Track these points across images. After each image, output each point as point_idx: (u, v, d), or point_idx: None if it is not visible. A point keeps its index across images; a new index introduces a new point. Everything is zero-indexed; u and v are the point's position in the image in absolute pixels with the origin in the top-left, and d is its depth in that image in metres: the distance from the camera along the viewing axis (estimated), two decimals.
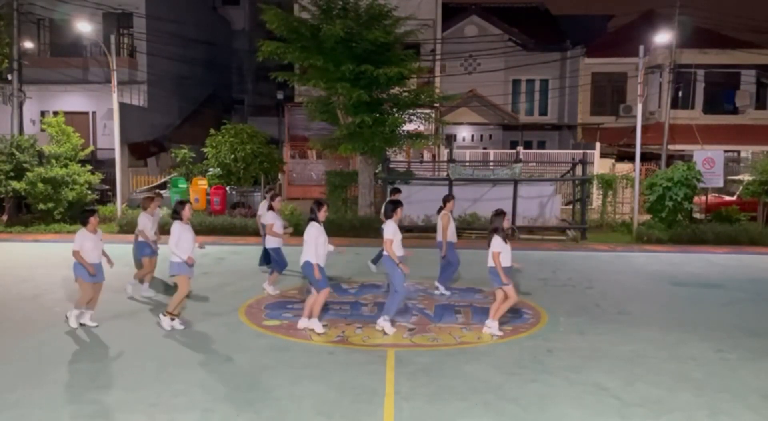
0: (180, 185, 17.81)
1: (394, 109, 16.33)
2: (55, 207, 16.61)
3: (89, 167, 17.84)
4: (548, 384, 6.19)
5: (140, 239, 9.61)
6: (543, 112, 29.24)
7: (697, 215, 17.23)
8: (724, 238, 15.38)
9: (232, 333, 7.80)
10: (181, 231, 7.77)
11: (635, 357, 7.02)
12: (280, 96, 29.24)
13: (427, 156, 22.29)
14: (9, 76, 19.68)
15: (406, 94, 16.36)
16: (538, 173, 18.89)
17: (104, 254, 8.04)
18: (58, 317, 8.44)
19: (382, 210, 8.57)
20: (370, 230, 15.49)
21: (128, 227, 15.72)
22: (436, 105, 20.52)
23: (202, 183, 17.80)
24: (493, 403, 5.73)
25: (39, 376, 6.28)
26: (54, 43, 25.26)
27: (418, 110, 16.89)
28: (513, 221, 16.30)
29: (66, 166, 17.12)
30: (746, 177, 18.23)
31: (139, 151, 23.60)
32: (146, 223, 9.61)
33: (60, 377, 6.27)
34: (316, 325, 7.79)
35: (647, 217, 16.66)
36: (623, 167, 20.47)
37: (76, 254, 7.71)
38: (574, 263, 12.92)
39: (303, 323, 7.89)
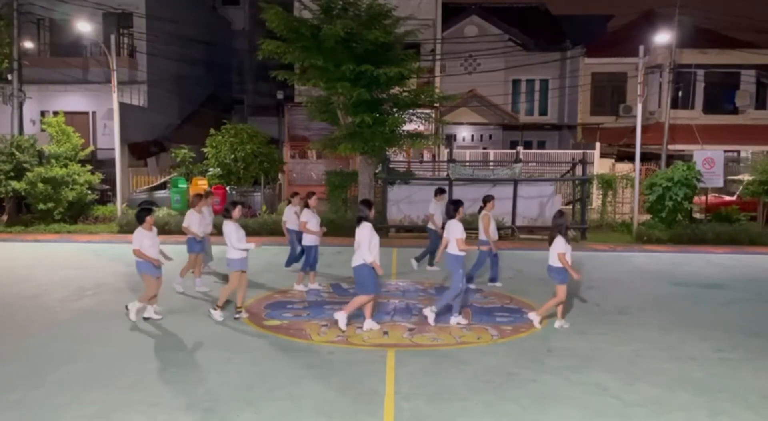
0: (180, 185, 17.81)
1: (394, 109, 16.30)
2: (55, 207, 16.63)
3: (89, 167, 17.85)
4: (548, 384, 6.19)
5: (189, 235, 9.90)
6: (543, 112, 29.22)
7: (697, 215, 17.24)
8: (724, 238, 15.40)
9: (232, 333, 7.80)
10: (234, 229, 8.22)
11: (635, 357, 7.03)
12: (280, 96, 29.21)
13: (427, 156, 22.28)
14: (9, 76, 19.66)
15: (406, 94, 16.33)
16: (538, 173, 18.87)
17: (161, 251, 8.29)
18: (58, 317, 8.47)
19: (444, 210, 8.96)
20: None
21: (128, 227, 15.71)
22: (436, 105, 20.50)
23: (202, 183, 17.78)
24: (493, 403, 5.73)
25: (39, 376, 6.28)
26: (54, 43, 25.26)
27: (418, 110, 16.86)
28: (513, 221, 16.33)
29: (66, 166, 17.15)
30: (746, 177, 18.24)
31: (139, 151, 23.58)
32: (192, 220, 9.90)
33: (60, 377, 6.27)
34: (372, 324, 7.87)
35: (647, 217, 16.66)
36: (623, 167, 20.45)
37: (136, 251, 7.97)
38: (574, 263, 12.87)
39: (367, 324, 7.90)
